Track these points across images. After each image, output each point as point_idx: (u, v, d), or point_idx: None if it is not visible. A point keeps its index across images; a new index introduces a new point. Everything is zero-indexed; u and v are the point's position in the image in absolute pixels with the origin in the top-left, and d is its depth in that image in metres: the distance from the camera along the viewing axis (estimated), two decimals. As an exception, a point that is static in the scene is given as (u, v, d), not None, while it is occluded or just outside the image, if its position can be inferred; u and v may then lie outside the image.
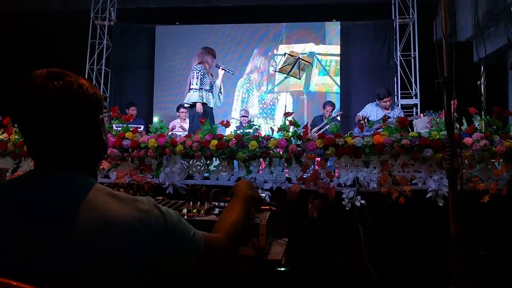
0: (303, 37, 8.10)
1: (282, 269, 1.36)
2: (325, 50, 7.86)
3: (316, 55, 7.90)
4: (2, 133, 3.89)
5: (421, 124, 4.61)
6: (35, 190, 0.90)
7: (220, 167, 3.58)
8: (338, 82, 7.83)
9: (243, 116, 6.87)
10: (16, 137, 3.76)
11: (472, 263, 2.67)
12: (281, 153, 3.46)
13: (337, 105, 7.62)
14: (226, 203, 1.56)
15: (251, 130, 3.71)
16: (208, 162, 3.60)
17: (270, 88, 8.05)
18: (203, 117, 4.52)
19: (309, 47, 7.96)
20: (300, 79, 6.08)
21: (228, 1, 8.12)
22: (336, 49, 7.95)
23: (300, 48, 7.83)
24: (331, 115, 6.36)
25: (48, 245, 0.84)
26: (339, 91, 7.84)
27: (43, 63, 1.06)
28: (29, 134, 0.95)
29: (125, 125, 3.81)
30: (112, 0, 7.99)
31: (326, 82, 7.36)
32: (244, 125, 6.56)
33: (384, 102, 5.69)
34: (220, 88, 5.30)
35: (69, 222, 0.86)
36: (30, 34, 7.32)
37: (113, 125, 3.87)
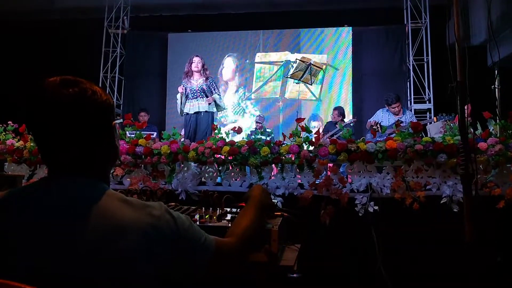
0: (314, 44, 8.08)
1: (295, 275, 1.35)
2: (319, 59, 7.76)
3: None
4: (18, 140, 3.95)
5: (435, 129, 4.57)
6: (47, 195, 0.92)
7: (232, 173, 3.59)
8: (314, 90, 7.81)
9: (257, 122, 6.91)
10: (31, 144, 3.81)
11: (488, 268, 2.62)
12: (293, 159, 3.45)
13: (321, 111, 7.70)
14: (238, 209, 1.56)
15: (263, 137, 3.72)
16: (220, 168, 3.61)
17: (248, 95, 8.02)
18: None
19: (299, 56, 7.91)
20: (311, 84, 6.07)
21: (240, 8, 8.16)
22: (324, 58, 7.91)
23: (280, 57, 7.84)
24: (342, 121, 6.33)
25: (59, 249, 0.85)
26: (313, 98, 7.84)
27: (58, 71, 1.08)
28: (42, 140, 0.97)
29: (138, 132, 3.84)
30: (125, 9, 8.10)
31: (301, 90, 7.31)
32: (259, 130, 6.60)
33: (393, 108, 5.62)
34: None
35: (80, 227, 0.87)
36: (45, 42, 7.45)
37: (127, 132, 3.90)
